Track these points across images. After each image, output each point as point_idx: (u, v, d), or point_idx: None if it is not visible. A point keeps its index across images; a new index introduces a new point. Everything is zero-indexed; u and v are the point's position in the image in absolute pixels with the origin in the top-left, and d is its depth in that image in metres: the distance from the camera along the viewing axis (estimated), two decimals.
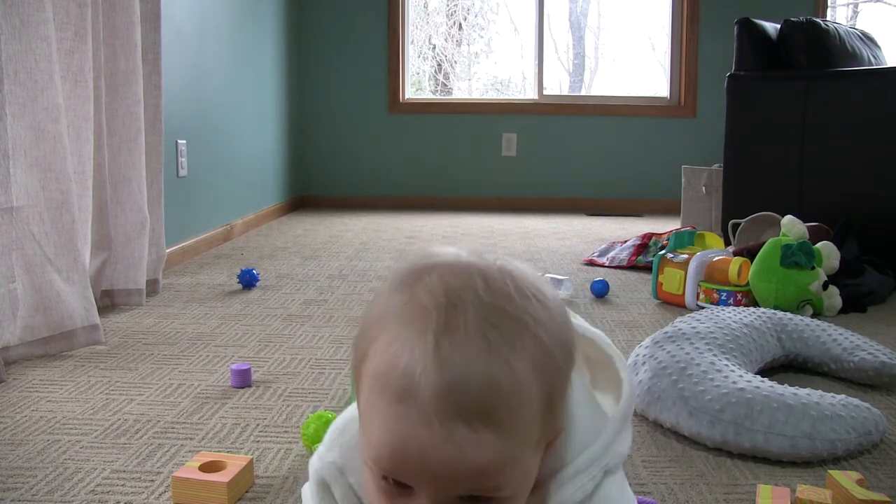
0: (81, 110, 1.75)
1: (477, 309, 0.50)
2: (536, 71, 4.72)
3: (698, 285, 2.06)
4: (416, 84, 5.03)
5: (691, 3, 4.51)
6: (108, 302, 2.02)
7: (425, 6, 5.10)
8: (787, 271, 1.94)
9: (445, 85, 5.14)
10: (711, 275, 2.07)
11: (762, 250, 2.00)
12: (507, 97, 4.99)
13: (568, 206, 4.60)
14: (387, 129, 4.68)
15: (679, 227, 3.37)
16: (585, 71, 5.22)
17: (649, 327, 1.89)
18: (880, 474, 1.09)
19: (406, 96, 4.73)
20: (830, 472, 1.02)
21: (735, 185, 2.79)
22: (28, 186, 1.60)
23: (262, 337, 1.77)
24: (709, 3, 4.49)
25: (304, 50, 4.59)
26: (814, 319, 1.61)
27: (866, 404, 1.20)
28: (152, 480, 1.05)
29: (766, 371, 1.50)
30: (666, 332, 1.41)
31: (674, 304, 2.12)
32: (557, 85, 5.06)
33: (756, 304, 2.00)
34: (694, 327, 1.41)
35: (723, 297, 2.01)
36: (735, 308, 1.60)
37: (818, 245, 2.01)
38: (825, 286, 2.00)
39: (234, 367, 1.43)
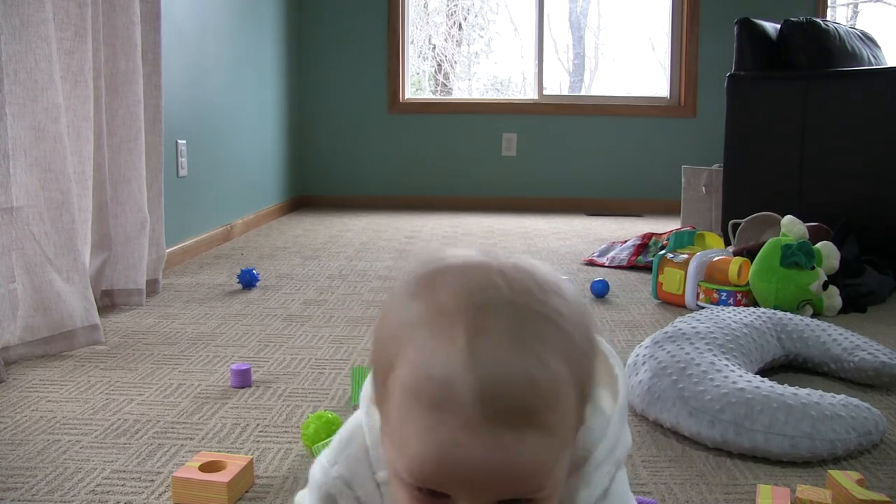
0: (81, 110, 1.75)
1: (504, 308, 0.49)
2: (536, 71, 4.72)
3: (698, 285, 2.06)
4: (416, 84, 5.03)
5: (691, 3, 4.51)
6: (108, 302, 2.02)
7: (425, 6, 5.10)
8: (787, 271, 1.94)
9: (445, 85, 5.14)
10: (711, 275, 2.07)
11: (762, 250, 2.00)
12: (507, 97, 4.99)
13: (568, 206, 4.60)
14: (387, 129, 4.68)
15: (679, 227, 3.37)
16: (585, 71, 5.22)
17: (649, 327, 1.89)
18: (880, 474, 1.09)
19: (406, 96, 4.73)
20: (830, 472, 1.03)
21: (735, 185, 2.79)
22: (28, 186, 1.60)
23: (262, 337, 1.77)
24: (709, 3, 4.49)
25: (304, 50, 4.59)
26: (814, 319, 1.61)
27: (866, 404, 1.20)
28: (152, 480, 1.05)
29: (766, 371, 1.50)
30: (666, 332, 1.41)
31: (674, 304, 2.12)
32: (557, 85, 5.06)
33: (756, 304, 2.00)
34: (694, 327, 1.41)
35: (723, 297, 2.01)
36: (735, 308, 1.60)
37: (818, 245, 2.01)
38: (825, 286, 2.00)
39: (234, 367, 1.43)
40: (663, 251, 2.22)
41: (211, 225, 3.08)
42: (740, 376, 1.22)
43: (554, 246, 3.20)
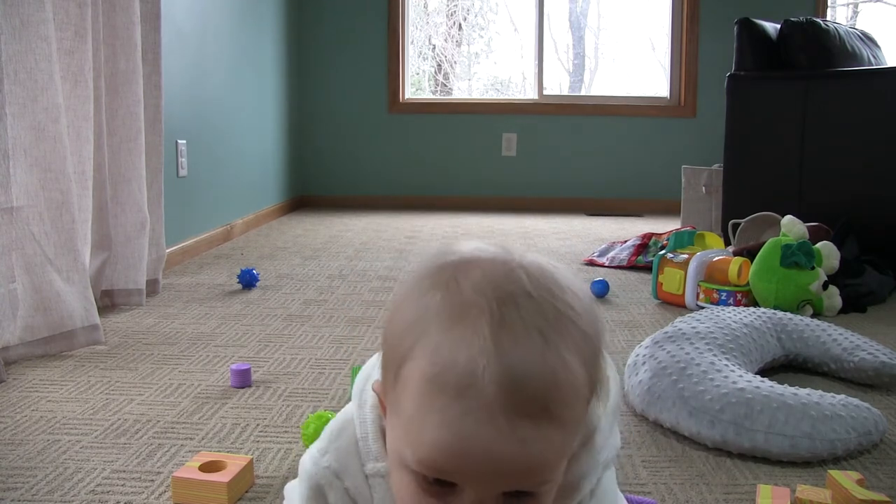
0: (81, 110, 1.75)
1: (527, 303, 0.49)
2: (536, 71, 4.72)
3: (698, 285, 2.06)
4: (416, 84, 5.03)
5: (691, 3, 4.51)
6: (108, 302, 2.02)
7: (425, 6, 5.10)
8: (787, 271, 1.94)
9: (445, 85, 5.14)
10: (711, 275, 2.07)
11: (762, 250, 2.00)
12: (507, 97, 4.99)
13: (568, 206, 4.60)
14: (387, 129, 4.68)
15: (679, 227, 3.37)
16: (585, 71, 5.22)
17: (649, 327, 1.89)
18: (880, 474, 1.09)
19: (406, 96, 4.73)
20: (830, 472, 1.02)
21: (735, 185, 2.79)
22: (28, 186, 1.60)
23: (262, 337, 1.77)
24: (709, 3, 4.49)
25: (304, 50, 4.59)
26: (814, 319, 1.61)
27: (866, 404, 1.20)
28: (152, 480, 1.05)
29: (766, 371, 1.50)
30: (666, 332, 1.41)
31: (674, 304, 2.12)
32: (557, 85, 5.06)
33: (756, 304, 2.00)
34: (694, 327, 1.41)
35: (723, 297, 2.01)
36: (735, 308, 1.60)
37: (818, 245, 2.01)
38: (825, 286, 2.00)
39: (234, 367, 1.43)
40: (663, 251, 2.22)
41: (211, 225, 3.08)
42: (740, 376, 1.22)
43: (554, 246, 3.20)
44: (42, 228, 1.62)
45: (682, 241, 2.24)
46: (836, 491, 0.99)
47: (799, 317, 1.60)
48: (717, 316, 1.51)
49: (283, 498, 1.00)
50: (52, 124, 1.61)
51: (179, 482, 0.98)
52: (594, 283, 2.23)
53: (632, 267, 2.68)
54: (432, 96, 5.04)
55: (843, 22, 4.74)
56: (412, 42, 4.89)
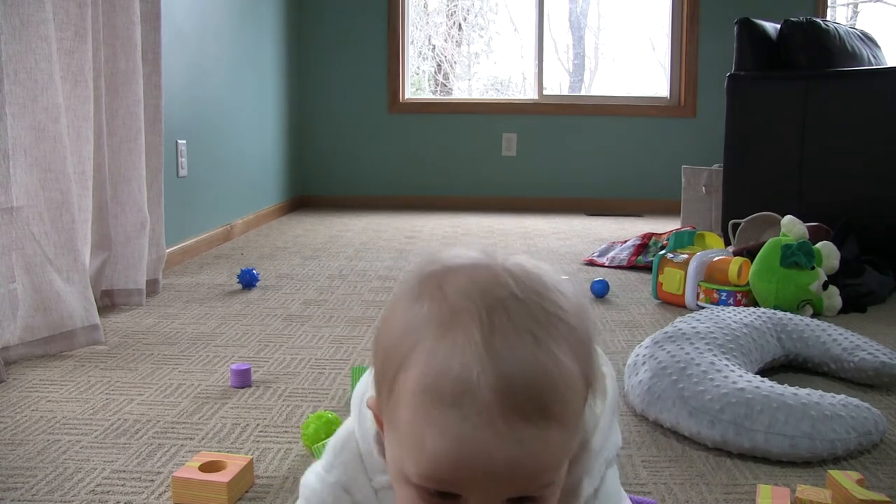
0: (81, 110, 1.75)
1: (515, 306, 0.49)
2: (536, 71, 4.72)
3: (698, 285, 2.06)
4: (416, 84, 5.03)
5: (691, 3, 4.51)
6: (108, 302, 2.02)
7: (425, 6, 5.10)
8: (787, 271, 1.94)
9: (445, 85, 5.14)
10: (711, 275, 2.07)
11: (762, 250, 2.00)
12: (507, 97, 4.99)
13: (568, 206, 4.60)
14: (387, 129, 4.68)
15: (679, 227, 3.37)
16: (585, 71, 5.22)
17: (649, 327, 1.89)
18: (880, 474, 1.09)
19: (406, 96, 4.73)
20: (830, 472, 1.02)
21: (735, 185, 2.79)
22: (28, 186, 1.60)
23: (262, 337, 1.77)
24: (709, 3, 4.49)
25: (304, 50, 4.59)
26: (814, 319, 1.61)
27: (866, 404, 1.20)
28: (152, 480, 1.05)
29: (766, 371, 1.50)
30: (666, 332, 1.41)
31: (674, 304, 2.12)
32: (557, 85, 5.06)
33: (756, 304, 2.00)
34: (694, 327, 1.41)
35: (723, 297, 2.01)
36: (735, 308, 1.60)
37: (818, 245, 2.01)
38: (825, 286, 2.00)
39: (234, 367, 1.43)
40: (663, 251, 2.22)
41: (211, 225, 3.08)
42: (740, 376, 1.22)
43: (554, 246, 3.20)
44: (42, 228, 1.62)
45: (682, 241, 2.24)
46: (836, 491, 0.99)
47: (799, 317, 1.60)
48: (717, 316, 1.51)
49: (284, 500, 1.00)
50: (52, 124, 1.61)
51: (179, 482, 0.98)
52: (594, 283, 2.23)
53: (632, 267, 2.68)
54: (432, 96, 5.04)
55: (843, 22, 4.74)
56: (412, 42, 4.89)
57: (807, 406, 1.13)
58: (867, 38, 3.04)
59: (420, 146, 4.69)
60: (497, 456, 0.47)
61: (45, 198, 1.62)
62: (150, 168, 2.17)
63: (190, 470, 1.00)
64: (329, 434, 1.10)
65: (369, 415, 0.62)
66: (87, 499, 0.99)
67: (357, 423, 0.64)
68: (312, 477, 0.66)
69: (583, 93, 5.04)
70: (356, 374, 1.35)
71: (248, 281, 2.27)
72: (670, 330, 1.42)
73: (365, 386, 0.66)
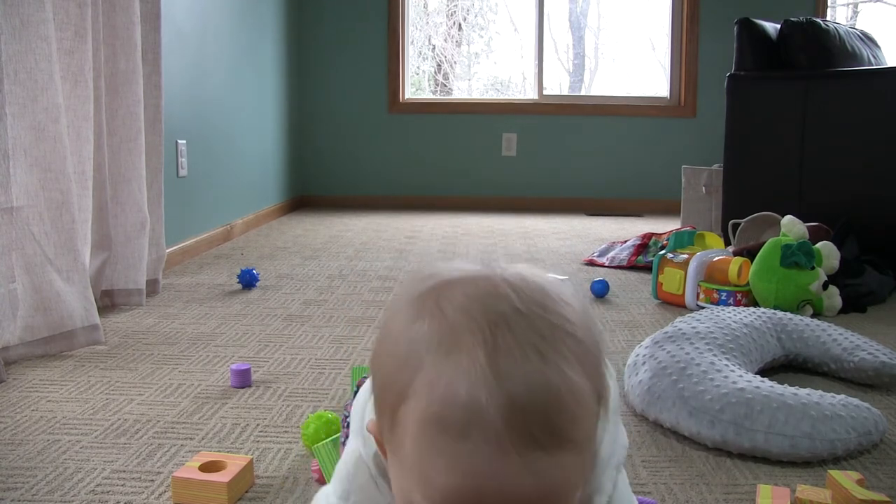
0: (81, 110, 1.75)
1: (518, 321, 0.46)
2: (536, 71, 4.72)
3: (698, 285, 2.06)
4: (416, 84, 5.03)
5: (691, 3, 4.51)
6: (108, 302, 2.02)
7: (425, 6, 5.10)
8: (787, 271, 1.94)
9: (445, 85, 5.14)
10: (711, 275, 2.07)
11: (762, 250, 2.00)
12: (507, 97, 4.99)
13: (568, 206, 4.60)
14: (387, 129, 4.68)
15: (679, 227, 3.37)
16: (585, 71, 5.22)
17: (649, 327, 1.89)
18: (880, 474, 1.09)
19: (406, 96, 4.73)
20: (830, 472, 1.02)
21: (735, 185, 2.79)
22: (28, 186, 1.60)
23: (262, 337, 1.77)
24: (709, 3, 4.49)
25: (304, 50, 4.59)
26: (814, 319, 1.61)
27: (866, 404, 1.20)
28: (152, 480, 1.05)
29: (766, 371, 1.50)
30: (666, 332, 1.41)
31: (674, 304, 2.12)
32: (557, 85, 5.06)
33: (756, 304, 2.00)
34: (694, 327, 1.41)
35: (723, 297, 2.01)
36: (735, 308, 1.60)
37: (818, 245, 2.01)
38: (825, 286, 2.00)
39: (234, 367, 1.43)
40: (663, 251, 2.22)
41: (211, 225, 3.08)
42: (740, 376, 1.22)
43: (554, 246, 3.20)
44: (42, 228, 1.62)
45: (682, 241, 2.24)
46: (836, 491, 0.99)
47: (799, 317, 1.60)
48: (717, 316, 1.51)
49: (284, 500, 1.00)
50: (52, 124, 1.61)
51: (179, 482, 0.98)
52: (594, 283, 2.23)
53: (632, 267, 2.68)
54: (432, 96, 5.04)
55: (843, 22, 4.74)
56: (412, 42, 4.89)
57: (807, 406, 1.13)
58: (867, 38, 3.04)
59: (420, 146, 4.69)
60: (511, 489, 0.44)
61: (45, 198, 1.62)
62: (150, 168, 2.17)
63: (190, 470, 1.00)
64: (329, 434, 1.10)
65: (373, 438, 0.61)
66: (87, 499, 0.99)
67: (363, 446, 0.62)
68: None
69: (583, 93, 5.04)
70: (356, 374, 1.35)
71: (248, 281, 2.27)
72: (670, 330, 1.42)
73: (363, 403, 0.64)
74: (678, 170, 3.74)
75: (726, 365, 1.27)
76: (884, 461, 1.13)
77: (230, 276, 2.43)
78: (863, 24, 4.84)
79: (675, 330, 1.41)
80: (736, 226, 2.60)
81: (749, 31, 2.79)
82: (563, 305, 0.49)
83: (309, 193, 4.68)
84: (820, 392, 1.20)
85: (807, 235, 1.99)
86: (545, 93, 4.72)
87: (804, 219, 2.10)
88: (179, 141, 2.77)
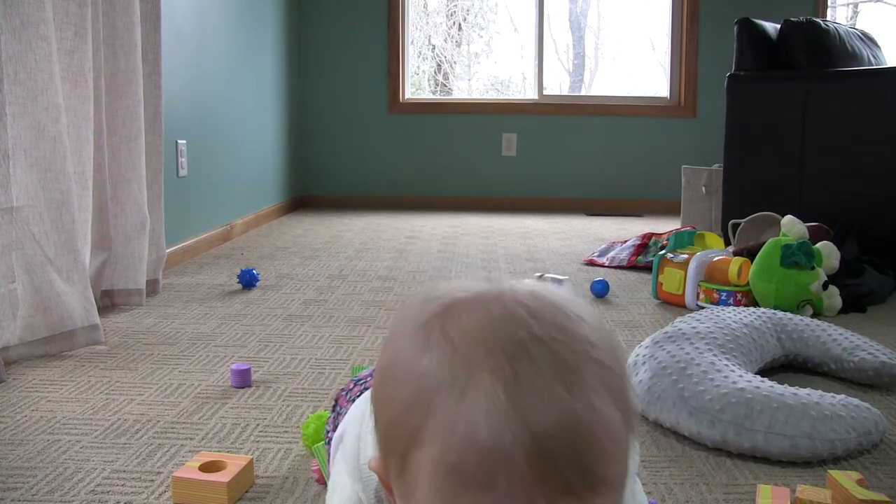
0: (81, 110, 1.75)
1: (539, 349, 0.41)
2: (536, 71, 4.72)
3: (698, 285, 2.06)
4: (416, 84, 5.03)
5: (691, 3, 4.51)
6: (108, 302, 2.02)
7: (425, 6, 5.10)
8: (787, 271, 1.94)
9: (445, 85, 5.14)
10: (711, 275, 2.07)
11: (762, 250, 2.00)
12: (507, 97, 4.99)
13: (568, 206, 4.60)
14: (387, 129, 4.68)
15: (679, 227, 3.37)
16: (585, 71, 5.22)
17: (649, 327, 1.89)
18: (880, 474, 1.09)
19: (406, 96, 4.73)
20: (830, 472, 1.03)
21: (735, 185, 2.79)
22: (28, 186, 1.60)
23: (262, 337, 1.77)
24: (709, 3, 4.49)
25: (304, 50, 4.59)
26: (814, 319, 1.61)
27: (866, 404, 1.20)
28: (152, 480, 1.05)
29: (766, 371, 1.50)
30: (666, 332, 1.41)
31: (674, 304, 2.12)
32: (557, 85, 5.06)
33: (756, 304, 2.00)
34: (694, 327, 1.41)
35: (723, 297, 2.01)
36: (735, 308, 1.60)
37: (818, 245, 2.01)
38: (825, 286, 2.00)
39: (234, 367, 1.43)
40: (663, 251, 2.22)
41: (211, 225, 3.08)
42: (740, 376, 1.22)
43: (554, 246, 3.20)
44: (42, 228, 1.62)
45: (682, 241, 2.24)
46: (836, 491, 0.99)
47: (799, 317, 1.60)
48: (717, 316, 1.51)
49: (284, 500, 1.00)
50: (52, 124, 1.61)
51: (179, 482, 0.98)
52: (594, 283, 2.23)
53: (632, 267, 2.68)
54: (432, 96, 5.04)
55: (843, 22, 4.74)
56: (412, 42, 4.89)
57: (807, 406, 1.13)
58: (867, 38, 3.04)
59: (420, 146, 4.69)
60: None
61: (45, 198, 1.62)
62: (150, 168, 2.17)
63: (190, 470, 1.00)
64: None
65: (375, 477, 0.56)
66: (87, 499, 0.99)
67: (362, 489, 0.58)
68: None
69: (583, 93, 5.04)
70: (356, 374, 1.35)
71: (248, 281, 2.27)
72: (670, 330, 1.42)
73: (355, 440, 0.60)
74: (678, 170, 3.74)
75: (726, 365, 1.27)
76: (884, 461, 1.13)
77: (230, 276, 2.43)
78: (863, 24, 4.85)
79: (675, 330, 1.41)
80: (736, 226, 2.60)
81: (749, 31, 2.79)
82: (582, 325, 0.44)
83: (309, 193, 4.68)
84: (820, 392, 1.20)
85: (807, 235, 1.99)
86: (545, 93, 4.72)
87: (804, 219, 2.10)
88: (179, 141, 2.77)
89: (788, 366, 1.56)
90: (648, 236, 2.83)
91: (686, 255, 2.12)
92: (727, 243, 2.57)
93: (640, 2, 4.85)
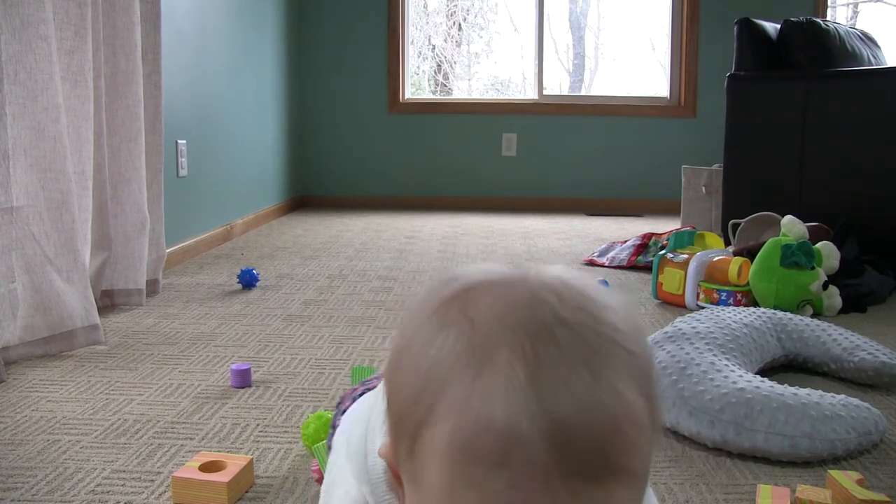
0: (81, 110, 1.75)
1: (564, 332, 0.40)
2: (536, 71, 4.72)
3: (698, 285, 2.06)
4: (416, 84, 5.03)
5: (691, 3, 4.51)
6: (108, 302, 2.02)
7: (425, 6, 5.10)
8: (787, 271, 1.94)
9: (445, 85, 5.14)
10: (711, 275, 2.07)
11: (762, 250, 2.00)
12: (507, 97, 4.99)
13: (568, 206, 4.60)
14: (387, 129, 4.68)
15: (679, 227, 3.37)
16: (585, 71, 5.22)
17: (649, 327, 1.89)
18: (880, 474, 1.09)
19: (406, 96, 4.73)
20: (830, 472, 1.03)
21: (735, 185, 2.79)
22: (28, 186, 1.60)
23: (262, 337, 1.77)
24: (709, 3, 4.49)
25: (304, 50, 4.59)
26: (814, 319, 1.61)
27: (866, 404, 1.20)
28: (152, 480, 1.05)
29: (766, 371, 1.50)
30: (666, 332, 1.41)
31: (674, 304, 2.12)
32: (557, 85, 5.06)
33: (756, 304, 2.00)
34: (694, 327, 1.41)
35: (723, 297, 2.01)
36: (735, 308, 1.60)
37: (818, 245, 2.01)
38: (825, 286, 2.00)
39: (234, 367, 1.43)
40: (663, 251, 2.22)
41: (211, 225, 3.08)
42: (740, 376, 1.22)
43: (554, 246, 3.20)
44: (42, 228, 1.62)
45: (682, 241, 2.24)
46: (836, 491, 0.99)
47: (799, 317, 1.60)
48: (717, 316, 1.51)
49: (284, 500, 1.00)
50: (52, 124, 1.61)
51: (179, 482, 0.98)
52: None
53: (632, 267, 2.68)
54: (432, 96, 5.04)
55: (843, 22, 4.74)
56: (412, 42, 4.89)
57: (807, 406, 1.13)
58: (867, 38, 3.04)
59: (420, 146, 4.69)
60: None
61: (45, 198, 1.62)
62: (150, 168, 2.17)
63: (190, 470, 1.00)
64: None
65: (381, 473, 0.55)
66: (87, 499, 0.99)
67: (368, 488, 0.57)
68: None
69: (583, 93, 5.04)
70: (356, 374, 1.35)
71: (248, 281, 2.27)
72: (670, 330, 1.42)
73: (361, 437, 0.59)
74: (678, 170, 3.74)
75: (726, 365, 1.27)
76: (884, 461, 1.13)
77: (230, 276, 2.43)
78: (863, 24, 4.85)
79: (675, 330, 1.41)
80: (736, 226, 2.60)
81: (749, 31, 2.79)
82: (609, 312, 0.42)
83: (309, 193, 4.68)
84: (820, 392, 1.20)
85: (807, 235, 1.99)
86: (545, 93, 4.72)
87: (804, 219, 2.10)
88: (179, 141, 2.77)
89: (788, 366, 1.56)
90: (648, 236, 2.83)
91: (686, 255, 2.12)
92: (727, 243, 2.57)
93: (640, 2, 4.85)
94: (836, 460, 1.12)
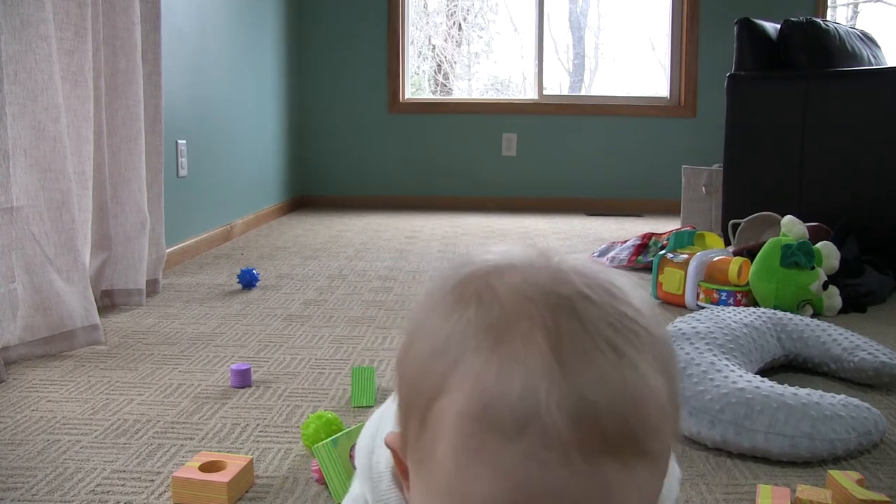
0: (81, 110, 1.75)
1: (588, 308, 0.39)
2: (536, 71, 4.72)
3: (698, 285, 2.06)
4: (416, 84, 5.03)
5: (691, 3, 4.51)
6: (108, 302, 2.02)
7: (425, 6, 5.10)
8: (787, 271, 1.94)
9: (445, 85, 5.14)
10: (711, 275, 2.07)
11: (762, 250, 2.00)
12: (507, 97, 4.99)
13: (568, 206, 4.60)
14: (387, 129, 4.68)
15: (679, 227, 3.37)
16: (585, 71, 5.22)
17: None
18: (880, 474, 1.09)
19: (406, 96, 4.73)
20: (830, 472, 1.02)
21: (735, 185, 2.79)
22: (28, 186, 1.60)
23: (262, 337, 1.77)
24: (709, 3, 4.49)
25: (304, 50, 4.59)
26: (814, 319, 1.61)
27: (866, 404, 1.20)
28: (152, 480, 1.05)
29: (766, 371, 1.50)
30: None
31: (674, 304, 2.12)
32: (557, 85, 5.06)
33: (756, 304, 2.00)
34: (694, 327, 1.41)
35: (723, 297, 2.01)
36: (735, 308, 1.59)
37: (818, 245, 2.01)
38: (825, 286, 2.00)
39: (234, 367, 1.43)
40: (663, 251, 2.22)
41: (211, 225, 3.08)
42: (740, 376, 1.22)
43: (554, 246, 3.20)
44: (42, 228, 1.62)
45: (682, 241, 2.24)
46: (836, 491, 0.99)
47: (799, 317, 1.60)
48: (717, 316, 1.50)
49: (284, 500, 1.00)
50: (52, 124, 1.61)
51: (179, 482, 0.98)
52: None
53: (632, 267, 2.68)
54: (432, 96, 5.04)
55: (843, 22, 4.74)
56: (412, 42, 4.89)
57: (807, 406, 1.13)
58: (867, 38, 3.04)
59: (420, 146, 4.69)
60: (572, 502, 0.36)
61: (45, 198, 1.62)
62: (150, 168, 2.17)
63: (190, 470, 1.00)
64: (329, 434, 1.10)
65: (385, 477, 0.54)
66: (87, 499, 0.99)
67: (370, 492, 0.55)
68: None
69: (583, 93, 5.04)
70: (356, 374, 1.35)
71: (248, 281, 2.27)
72: (670, 330, 1.42)
73: (370, 440, 0.58)
74: (678, 170, 3.74)
75: (726, 365, 1.27)
76: (884, 461, 1.13)
77: (230, 276, 2.43)
78: (863, 24, 4.85)
79: (675, 330, 1.41)
80: (736, 226, 2.60)
81: (749, 31, 2.78)
82: (631, 295, 0.42)
83: (309, 193, 4.68)
84: (820, 392, 1.20)
85: (807, 235, 1.99)
86: (545, 93, 4.72)
87: (804, 219, 2.10)
88: (179, 141, 2.77)
89: (788, 366, 1.56)
90: (648, 236, 2.83)
91: (686, 255, 2.12)
92: (727, 243, 2.57)
93: (640, 2, 4.85)
94: (836, 460, 1.12)
